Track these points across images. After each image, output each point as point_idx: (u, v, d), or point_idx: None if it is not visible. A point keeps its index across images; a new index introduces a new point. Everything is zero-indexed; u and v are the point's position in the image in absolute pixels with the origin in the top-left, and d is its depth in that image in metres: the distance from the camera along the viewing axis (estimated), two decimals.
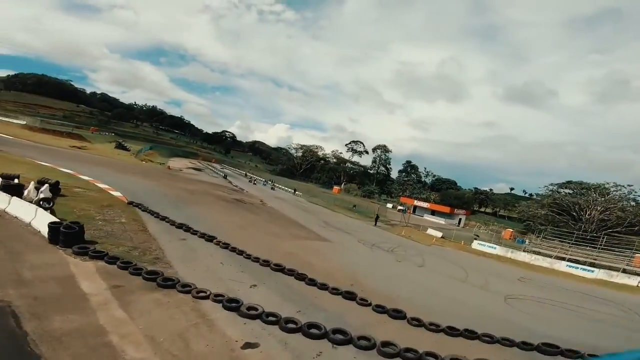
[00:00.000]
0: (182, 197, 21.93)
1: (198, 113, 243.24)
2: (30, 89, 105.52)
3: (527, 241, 39.05)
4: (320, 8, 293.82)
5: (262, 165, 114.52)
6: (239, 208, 22.81)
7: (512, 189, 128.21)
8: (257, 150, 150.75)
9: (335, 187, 76.04)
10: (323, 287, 9.72)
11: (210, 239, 12.41)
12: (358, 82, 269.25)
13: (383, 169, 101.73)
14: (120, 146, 54.41)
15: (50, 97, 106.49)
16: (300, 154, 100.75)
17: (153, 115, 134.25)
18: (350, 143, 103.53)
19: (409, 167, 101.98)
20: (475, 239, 30.17)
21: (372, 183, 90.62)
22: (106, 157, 38.68)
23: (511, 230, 48.61)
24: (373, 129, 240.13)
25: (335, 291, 9.54)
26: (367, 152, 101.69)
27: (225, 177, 48.02)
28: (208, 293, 7.78)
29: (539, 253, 27.39)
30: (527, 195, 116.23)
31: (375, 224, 30.24)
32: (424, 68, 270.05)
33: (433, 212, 53.61)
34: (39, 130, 52.21)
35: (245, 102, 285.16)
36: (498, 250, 27.26)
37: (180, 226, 13.38)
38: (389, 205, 61.94)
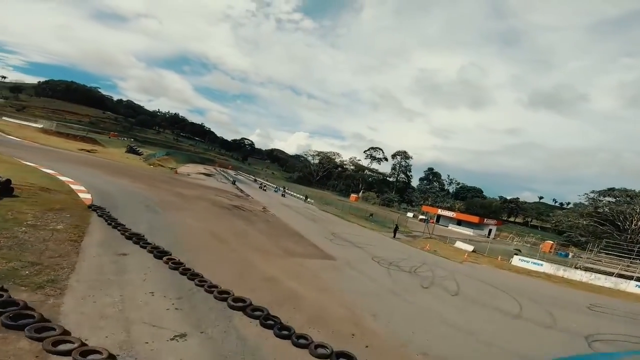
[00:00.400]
0: (168, 202, 19.03)
1: (220, 121, 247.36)
2: (59, 95, 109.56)
3: (570, 254, 35.88)
4: (338, 16, 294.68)
5: (279, 173, 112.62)
6: (232, 215, 19.57)
7: (541, 197, 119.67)
8: (275, 157, 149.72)
9: (353, 195, 72.52)
10: (301, 341, 5.94)
11: (161, 255, 9.08)
12: (376, 90, 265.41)
13: (403, 176, 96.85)
14: (131, 150, 53.40)
15: (79, 103, 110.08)
16: (317, 161, 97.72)
17: (175, 123, 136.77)
18: (369, 150, 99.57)
19: (431, 175, 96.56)
20: (517, 254, 25.38)
21: (391, 191, 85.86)
22: (110, 160, 37.01)
23: (551, 242, 42.98)
24: (392, 138, 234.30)
25: (320, 351, 5.75)
26: (386, 159, 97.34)
27: (233, 182, 45.67)
28: (75, 345, 4.37)
29: (597, 271, 22.37)
30: (557, 204, 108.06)
31: (394, 236, 26.11)
32: (444, 74, 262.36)
33: (459, 222, 48.81)
34: (53, 134, 52.32)
35: (265, 111, 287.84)
36: (545, 267, 22.52)
37: (131, 237, 10.19)
38: (410, 215, 57.80)
